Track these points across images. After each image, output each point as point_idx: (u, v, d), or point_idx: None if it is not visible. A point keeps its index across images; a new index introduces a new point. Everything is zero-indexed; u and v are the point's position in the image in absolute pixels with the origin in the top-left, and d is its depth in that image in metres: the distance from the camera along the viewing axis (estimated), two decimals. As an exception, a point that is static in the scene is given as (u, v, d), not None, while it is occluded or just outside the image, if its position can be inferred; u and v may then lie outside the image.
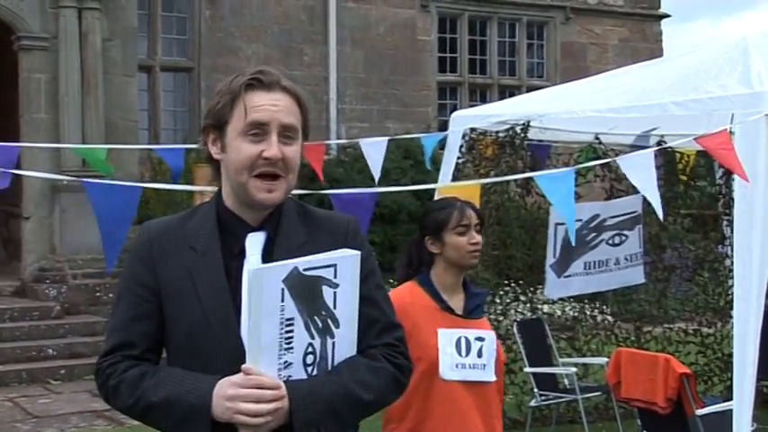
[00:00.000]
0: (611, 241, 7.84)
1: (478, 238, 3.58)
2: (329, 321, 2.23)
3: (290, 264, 2.17)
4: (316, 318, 2.21)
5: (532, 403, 7.58)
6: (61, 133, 11.19)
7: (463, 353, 3.48)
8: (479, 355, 3.51)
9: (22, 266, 11.59)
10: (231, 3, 14.75)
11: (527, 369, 7.61)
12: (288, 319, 2.17)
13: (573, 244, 7.17)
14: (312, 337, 2.21)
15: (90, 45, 11.35)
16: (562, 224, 7.28)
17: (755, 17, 54.73)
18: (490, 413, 3.55)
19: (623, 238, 7.86)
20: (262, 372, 2.15)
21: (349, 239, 2.36)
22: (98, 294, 11.05)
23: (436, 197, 6.27)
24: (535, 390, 7.50)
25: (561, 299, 9.31)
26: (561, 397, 7.66)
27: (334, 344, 2.24)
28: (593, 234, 7.78)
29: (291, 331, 2.18)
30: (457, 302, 3.60)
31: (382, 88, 15.93)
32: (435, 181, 7.56)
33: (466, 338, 3.51)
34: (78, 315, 10.87)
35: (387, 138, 7.38)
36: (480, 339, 3.53)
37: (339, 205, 5.43)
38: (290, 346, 2.18)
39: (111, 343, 2.34)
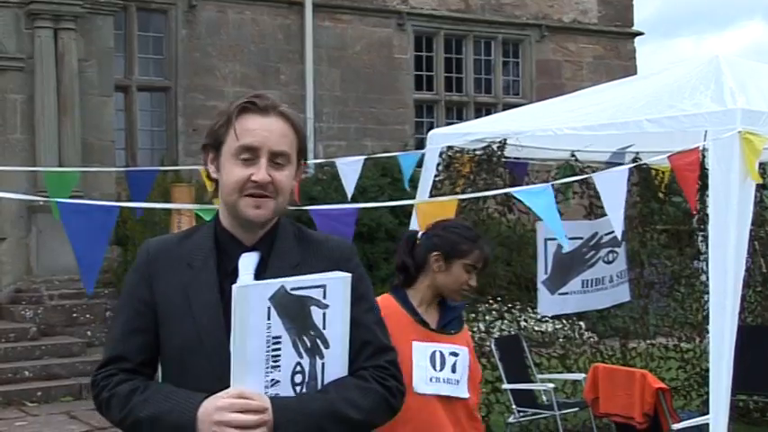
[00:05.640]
0: (606, 258, 7.78)
1: (474, 282, 3.56)
2: (318, 341, 2.23)
3: (276, 282, 2.18)
4: (304, 337, 2.21)
5: (511, 419, 7.57)
6: (37, 154, 11.14)
7: (437, 367, 3.44)
8: (453, 370, 3.46)
9: (-3, 288, 11.51)
10: (208, 22, 14.75)
11: (505, 386, 7.59)
12: (275, 338, 2.18)
13: (564, 252, 7.12)
14: (300, 356, 2.22)
15: (66, 65, 11.32)
16: (552, 239, 7.20)
17: (736, 35, 55.26)
18: (463, 429, 3.50)
19: (615, 254, 7.82)
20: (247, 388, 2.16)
21: (342, 262, 2.37)
22: (75, 315, 10.97)
23: (414, 214, 6.28)
24: (513, 406, 7.51)
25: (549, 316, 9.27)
26: (539, 413, 7.66)
27: (323, 364, 2.25)
28: (592, 252, 7.71)
29: (279, 349, 2.18)
30: (432, 316, 3.56)
31: (359, 106, 15.95)
32: (413, 199, 7.57)
33: (440, 352, 3.46)
34: (55, 336, 10.77)
35: (363, 157, 7.40)
36: (454, 354, 3.48)
37: (321, 222, 5.41)
38: (278, 364, 2.19)
39: (107, 355, 2.39)
